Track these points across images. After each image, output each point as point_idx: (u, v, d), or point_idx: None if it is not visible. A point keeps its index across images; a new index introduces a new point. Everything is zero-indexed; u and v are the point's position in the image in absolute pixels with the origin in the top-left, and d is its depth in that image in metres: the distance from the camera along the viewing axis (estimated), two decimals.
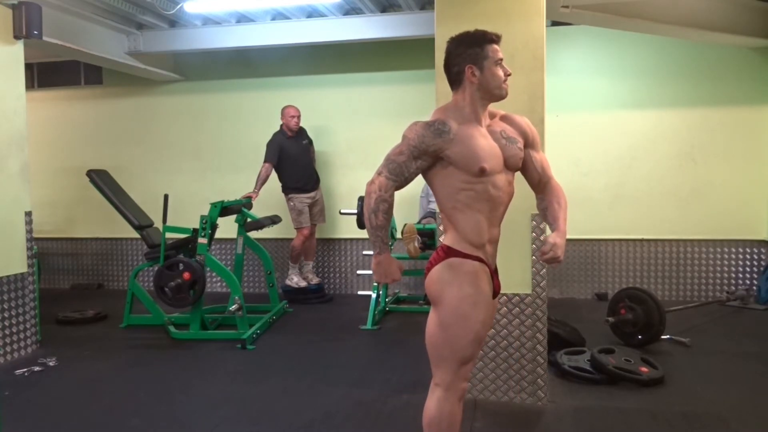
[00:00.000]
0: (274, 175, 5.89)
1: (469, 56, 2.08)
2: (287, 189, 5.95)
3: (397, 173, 2.05)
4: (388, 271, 2.09)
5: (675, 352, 4.20)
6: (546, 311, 3.28)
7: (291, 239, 6.04)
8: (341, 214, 6.00)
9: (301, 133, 6.03)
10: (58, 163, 6.90)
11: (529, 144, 2.21)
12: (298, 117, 5.91)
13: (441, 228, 2.24)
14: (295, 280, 6.02)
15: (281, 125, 5.93)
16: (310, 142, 6.14)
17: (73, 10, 5.10)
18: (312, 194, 6.01)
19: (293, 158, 5.88)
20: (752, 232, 5.70)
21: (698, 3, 4.96)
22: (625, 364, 3.60)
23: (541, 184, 2.26)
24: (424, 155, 2.05)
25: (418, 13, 5.34)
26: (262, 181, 5.77)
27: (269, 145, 5.84)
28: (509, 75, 2.11)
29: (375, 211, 2.03)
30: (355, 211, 5.55)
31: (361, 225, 5.40)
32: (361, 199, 5.33)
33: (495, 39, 2.10)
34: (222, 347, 4.50)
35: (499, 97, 2.11)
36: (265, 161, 5.81)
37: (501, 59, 2.10)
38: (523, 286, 3.25)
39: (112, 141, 6.84)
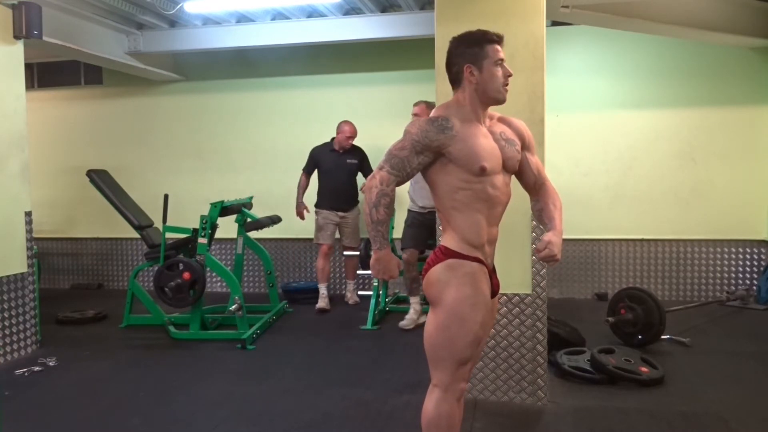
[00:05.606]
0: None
1: (469, 56, 2.07)
2: (317, 201, 5.76)
3: (399, 168, 2.05)
4: (386, 268, 2.08)
5: (675, 352, 4.20)
6: (546, 311, 3.28)
7: (291, 239, 6.03)
8: (345, 256, 5.92)
9: (353, 151, 5.73)
10: (58, 163, 6.90)
11: (525, 147, 2.22)
12: (352, 137, 5.65)
13: (440, 228, 2.24)
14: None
15: (333, 137, 5.75)
16: (363, 161, 5.78)
17: (73, 10, 5.10)
18: (341, 214, 5.69)
19: (327, 173, 5.69)
20: (752, 232, 5.70)
21: (698, 3, 4.96)
22: (625, 364, 3.60)
23: (536, 187, 2.26)
24: (427, 151, 2.05)
25: (418, 13, 5.34)
26: (300, 190, 5.71)
27: (309, 154, 5.75)
28: (510, 76, 2.09)
29: (376, 206, 2.03)
30: (357, 253, 5.50)
31: (365, 266, 5.32)
32: (364, 241, 5.26)
33: (496, 39, 2.09)
34: (222, 347, 4.50)
35: (497, 101, 2.10)
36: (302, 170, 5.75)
37: (501, 59, 2.08)
38: (523, 286, 3.25)
39: (112, 141, 6.84)
